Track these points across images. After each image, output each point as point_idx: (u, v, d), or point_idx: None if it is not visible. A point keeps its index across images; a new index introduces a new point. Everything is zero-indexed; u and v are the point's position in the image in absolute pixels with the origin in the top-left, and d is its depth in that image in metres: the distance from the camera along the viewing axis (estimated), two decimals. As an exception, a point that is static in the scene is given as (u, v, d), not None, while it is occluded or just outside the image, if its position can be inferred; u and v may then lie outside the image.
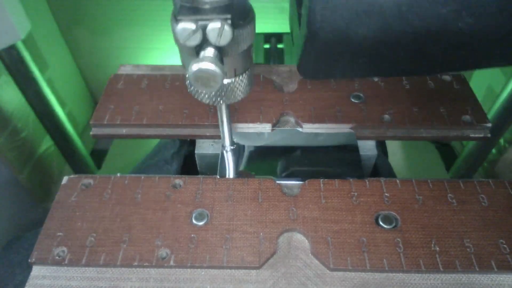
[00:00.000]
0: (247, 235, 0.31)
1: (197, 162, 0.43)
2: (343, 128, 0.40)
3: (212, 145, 0.42)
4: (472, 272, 0.30)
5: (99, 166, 1.05)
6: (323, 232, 0.31)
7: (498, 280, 0.30)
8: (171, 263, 0.30)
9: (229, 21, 0.24)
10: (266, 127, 0.40)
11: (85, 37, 1.03)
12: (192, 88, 0.30)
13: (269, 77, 0.46)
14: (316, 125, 0.40)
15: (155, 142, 0.52)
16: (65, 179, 0.36)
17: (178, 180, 0.35)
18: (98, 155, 1.08)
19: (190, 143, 0.47)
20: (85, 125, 1.11)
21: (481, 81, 0.89)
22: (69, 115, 0.93)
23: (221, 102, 0.31)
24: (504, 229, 0.31)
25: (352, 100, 0.42)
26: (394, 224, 0.32)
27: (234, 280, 0.30)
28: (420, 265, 0.29)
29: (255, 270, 0.30)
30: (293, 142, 0.40)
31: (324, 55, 0.24)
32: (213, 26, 0.24)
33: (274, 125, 0.41)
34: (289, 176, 0.37)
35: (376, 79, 0.44)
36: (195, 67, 0.25)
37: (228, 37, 0.24)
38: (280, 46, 0.77)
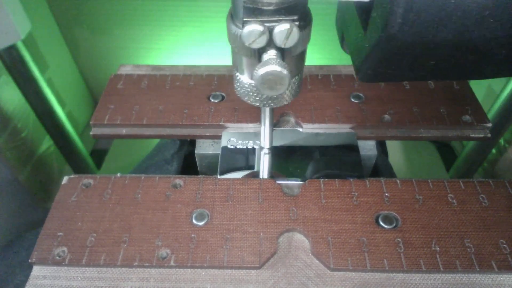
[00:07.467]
0: (247, 235, 0.31)
1: (197, 162, 0.43)
2: (343, 128, 0.40)
3: (212, 145, 0.42)
4: (472, 272, 0.30)
5: (99, 166, 1.05)
6: (323, 232, 0.31)
7: (499, 280, 0.30)
8: (171, 263, 0.30)
9: (297, 23, 0.23)
10: (266, 127, 0.40)
11: (85, 37, 1.03)
12: (243, 90, 0.29)
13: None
14: (316, 125, 0.40)
15: (155, 142, 0.52)
16: (65, 179, 0.36)
17: (178, 180, 0.35)
18: (98, 155, 1.08)
19: (190, 143, 0.47)
20: (85, 125, 1.11)
21: (481, 81, 0.89)
22: (69, 115, 0.93)
23: (272, 104, 0.30)
24: (504, 229, 0.31)
25: (352, 100, 0.42)
26: (394, 224, 0.32)
27: (234, 280, 0.30)
28: (420, 265, 0.29)
29: (255, 270, 0.30)
30: (293, 142, 0.39)
31: (394, 59, 0.24)
32: (281, 28, 0.23)
33: (274, 125, 0.41)
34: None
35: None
36: (263, 70, 0.24)
37: (295, 39, 0.24)
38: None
